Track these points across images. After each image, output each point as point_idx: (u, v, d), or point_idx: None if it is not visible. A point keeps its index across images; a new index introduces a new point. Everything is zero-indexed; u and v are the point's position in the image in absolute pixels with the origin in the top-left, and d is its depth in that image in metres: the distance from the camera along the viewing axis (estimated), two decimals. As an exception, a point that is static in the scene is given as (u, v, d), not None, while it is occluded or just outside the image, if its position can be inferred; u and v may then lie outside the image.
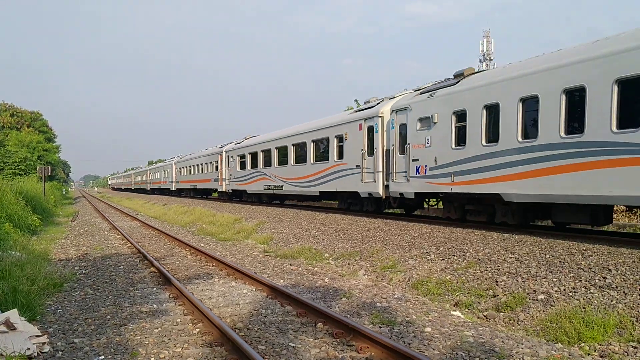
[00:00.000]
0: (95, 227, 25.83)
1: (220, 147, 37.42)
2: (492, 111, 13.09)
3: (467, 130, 13.78)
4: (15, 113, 74.54)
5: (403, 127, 16.48)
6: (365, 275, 11.68)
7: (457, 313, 8.67)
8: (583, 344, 6.95)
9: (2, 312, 7.94)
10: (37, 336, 7.11)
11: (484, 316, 8.51)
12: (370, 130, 18.25)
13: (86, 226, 26.20)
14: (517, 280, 9.21)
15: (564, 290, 8.44)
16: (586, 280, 8.52)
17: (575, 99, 11.05)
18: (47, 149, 67.59)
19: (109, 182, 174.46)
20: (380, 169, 17.60)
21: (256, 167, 29.53)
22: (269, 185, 27.42)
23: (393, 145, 16.94)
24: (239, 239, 19.14)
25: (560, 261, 9.49)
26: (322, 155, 22.06)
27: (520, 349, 6.70)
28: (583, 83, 10.70)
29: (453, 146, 14.35)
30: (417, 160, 15.69)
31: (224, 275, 12.11)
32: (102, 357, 6.57)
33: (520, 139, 12.23)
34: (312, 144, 22.77)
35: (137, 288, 10.81)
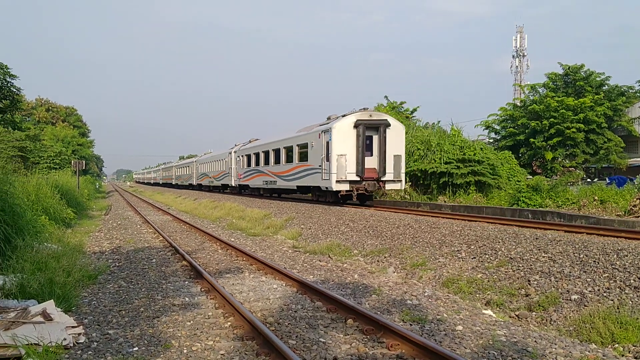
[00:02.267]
0: (128, 220, 26.25)
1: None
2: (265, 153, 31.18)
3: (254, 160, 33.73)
4: (50, 108, 76.21)
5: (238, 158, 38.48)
6: (395, 273, 11.65)
7: (489, 312, 8.59)
8: (617, 345, 6.85)
9: (39, 302, 8.14)
10: (73, 327, 7.26)
11: (516, 315, 8.43)
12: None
13: (119, 220, 26.65)
14: (550, 280, 9.09)
15: (598, 290, 8.30)
16: (621, 281, 8.37)
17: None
18: (81, 143, 68.96)
19: (134, 177, 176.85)
20: (233, 173, 40.18)
21: None
22: None
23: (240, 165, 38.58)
24: (268, 234, 19.25)
25: (594, 261, 9.33)
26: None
27: (554, 349, 6.62)
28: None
29: (245, 167, 35.39)
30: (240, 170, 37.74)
31: (254, 270, 12.20)
32: (136, 348, 6.69)
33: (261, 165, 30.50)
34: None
35: (170, 281, 10.97)
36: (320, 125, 24.01)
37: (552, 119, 36.11)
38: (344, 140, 21.61)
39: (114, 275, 11.66)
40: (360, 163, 21.50)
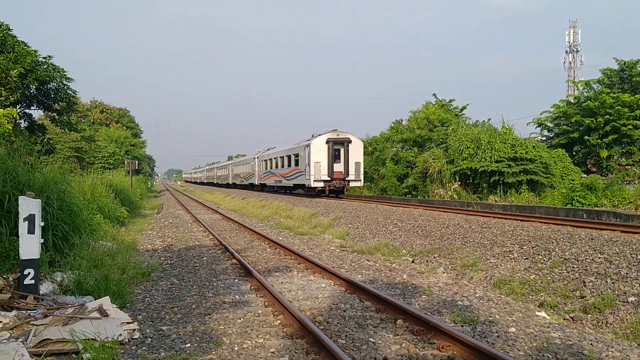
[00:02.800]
0: (179, 219, 26.77)
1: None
2: (275, 159, 40.17)
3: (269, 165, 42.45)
4: (104, 110, 78.42)
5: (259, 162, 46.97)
6: (445, 273, 11.52)
7: (542, 314, 8.40)
8: (679, 350, 6.58)
9: (96, 299, 8.39)
10: (128, 323, 7.45)
11: (571, 318, 8.21)
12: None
13: (170, 218, 27.20)
14: (606, 282, 8.82)
15: (659, 293, 8.00)
16: (683, 284, 8.04)
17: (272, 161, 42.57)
18: (133, 144, 70.70)
19: (183, 177, 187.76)
20: (255, 174, 48.58)
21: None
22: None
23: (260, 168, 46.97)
24: (315, 234, 19.31)
25: (654, 263, 9.00)
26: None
27: (610, 353, 6.42)
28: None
29: (264, 170, 44.09)
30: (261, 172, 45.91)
31: (302, 269, 12.27)
32: (189, 344, 6.82)
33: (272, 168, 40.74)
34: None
35: (220, 279, 11.14)
36: (306, 141, 32.71)
37: (607, 116, 34.90)
38: (319, 152, 30.57)
39: (166, 273, 11.93)
40: (330, 168, 30.48)
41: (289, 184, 37.12)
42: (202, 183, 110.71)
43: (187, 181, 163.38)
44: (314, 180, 30.59)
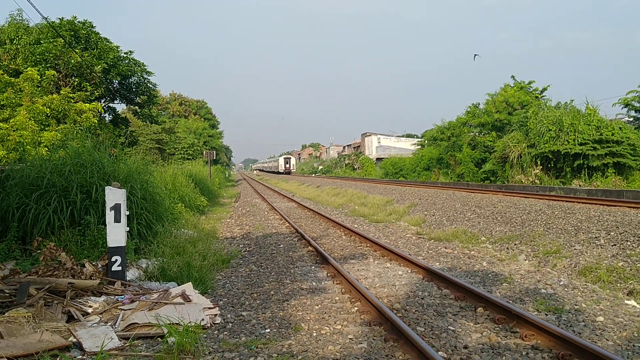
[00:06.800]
0: (256, 207, 27.24)
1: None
2: (272, 161, 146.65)
3: (271, 163, 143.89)
4: (183, 102, 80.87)
5: (272, 161, 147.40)
6: (527, 260, 11.15)
7: (632, 302, 7.97)
8: None
9: (179, 284, 8.68)
10: (210, 308, 7.66)
11: (665, 308, 7.77)
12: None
13: (247, 207, 27.72)
14: None
15: None
16: None
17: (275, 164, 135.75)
18: (211, 135, 72.56)
19: (254, 167, 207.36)
20: (271, 167, 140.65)
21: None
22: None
23: (270, 164, 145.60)
24: (391, 221, 19.16)
25: None
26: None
27: None
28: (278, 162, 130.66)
29: (271, 165, 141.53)
30: (272, 166, 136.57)
31: (378, 256, 12.21)
32: (268, 330, 6.93)
33: (272, 164, 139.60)
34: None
35: (297, 266, 11.27)
36: (279, 156, 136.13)
37: (703, 93, 32.65)
38: (282, 161, 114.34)
39: (245, 260, 12.18)
40: (285, 166, 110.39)
41: (276, 170, 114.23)
42: (264, 171, 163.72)
43: (258, 170, 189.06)
44: (280, 170, 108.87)
